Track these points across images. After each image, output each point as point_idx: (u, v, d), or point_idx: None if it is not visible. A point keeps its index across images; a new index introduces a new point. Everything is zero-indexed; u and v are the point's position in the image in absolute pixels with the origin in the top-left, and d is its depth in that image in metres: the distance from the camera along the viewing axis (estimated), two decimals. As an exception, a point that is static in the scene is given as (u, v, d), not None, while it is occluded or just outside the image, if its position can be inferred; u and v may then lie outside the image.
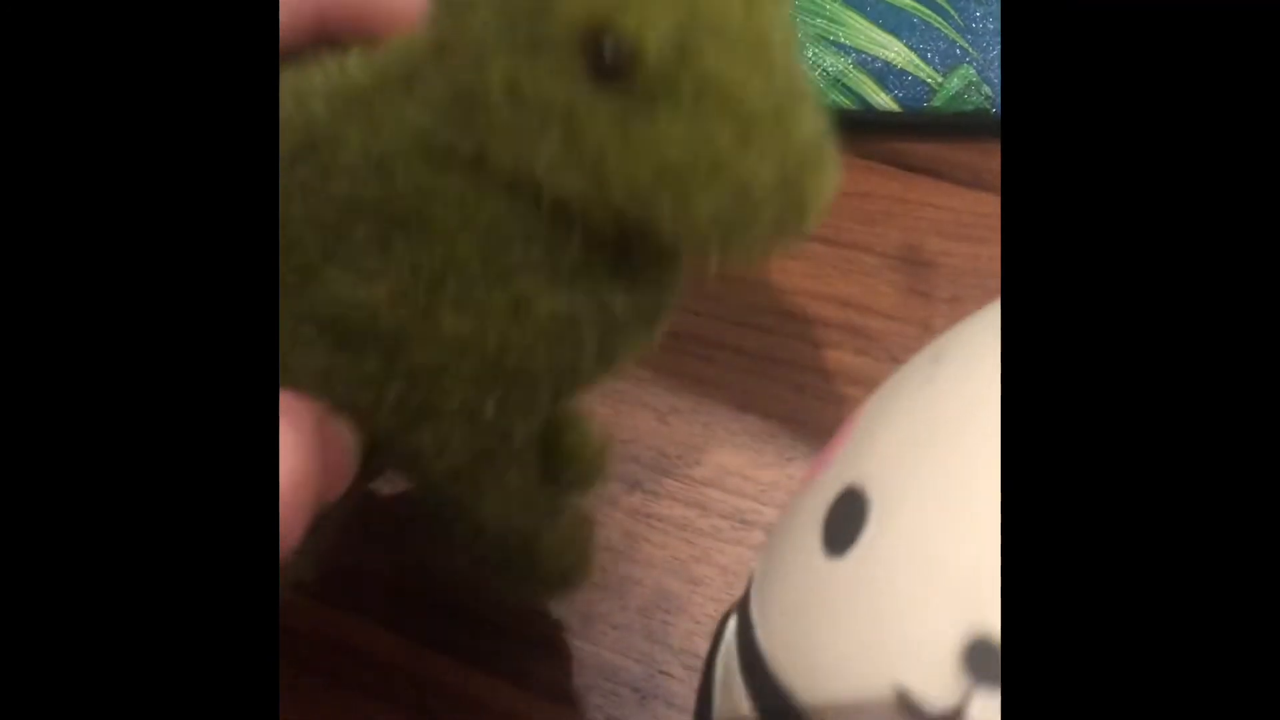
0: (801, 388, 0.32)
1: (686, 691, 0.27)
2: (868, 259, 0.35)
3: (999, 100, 0.37)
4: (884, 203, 0.36)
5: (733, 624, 0.21)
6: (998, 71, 0.37)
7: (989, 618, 0.14)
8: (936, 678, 0.15)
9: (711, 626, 0.28)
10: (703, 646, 0.28)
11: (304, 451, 0.18)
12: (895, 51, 0.37)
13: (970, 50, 0.38)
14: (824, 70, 0.37)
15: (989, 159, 0.37)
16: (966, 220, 0.36)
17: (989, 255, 0.35)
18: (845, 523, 0.17)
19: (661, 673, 0.27)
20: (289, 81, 0.18)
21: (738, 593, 0.28)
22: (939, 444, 0.16)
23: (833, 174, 0.15)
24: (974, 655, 0.14)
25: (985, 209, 0.36)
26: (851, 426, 0.19)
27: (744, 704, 0.19)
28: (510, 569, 0.25)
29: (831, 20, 0.38)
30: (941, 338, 0.19)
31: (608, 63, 0.14)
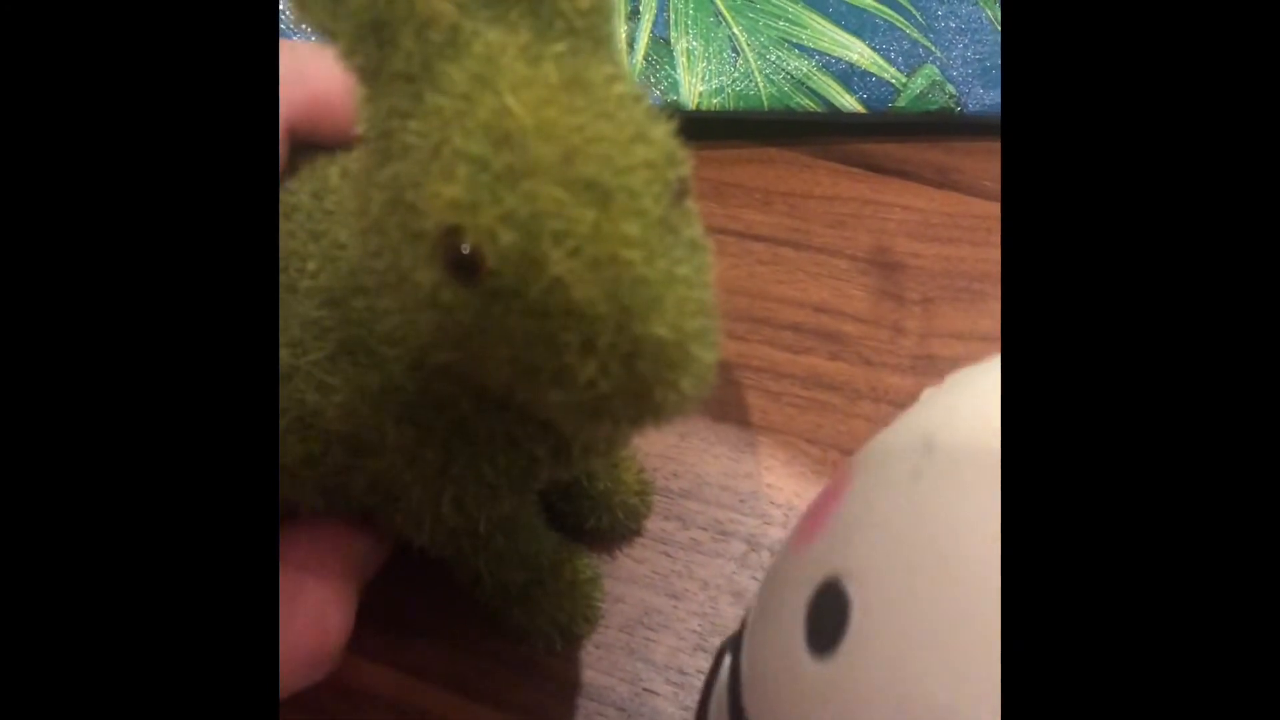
0: (777, 395, 0.32)
1: (672, 709, 0.27)
2: (838, 262, 0.35)
3: (963, 99, 0.37)
4: (852, 205, 0.36)
5: (728, 661, 0.21)
6: (961, 70, 0.37)
7: None
8: None
9: (695, 641, 0.28)
10: (687, 662, 0.27)
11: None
12: (858, 53, 0.37)
13: (933, 49, 0.37)
14: (788, 73, 0.37)
15: (956, 158, 0.37)
16: (935, 220, 0.36)
17: (959, 256, 0.35)
18: (827, 620, 0.16)
19: (647, 690, 0.27)
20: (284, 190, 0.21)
21: (720, 607, 0.28)
22: (925, 563, 0.15)
23: (698, 371, 0.15)
24: None
25: (954, 209, 0.36)
26: (837, 502, 0.18)
27: None
28: (511, 615, 0.26)
29: (793, 23, 0.37)
30: (931, 416, 0.18)
31: (464, 262, 0.15)
